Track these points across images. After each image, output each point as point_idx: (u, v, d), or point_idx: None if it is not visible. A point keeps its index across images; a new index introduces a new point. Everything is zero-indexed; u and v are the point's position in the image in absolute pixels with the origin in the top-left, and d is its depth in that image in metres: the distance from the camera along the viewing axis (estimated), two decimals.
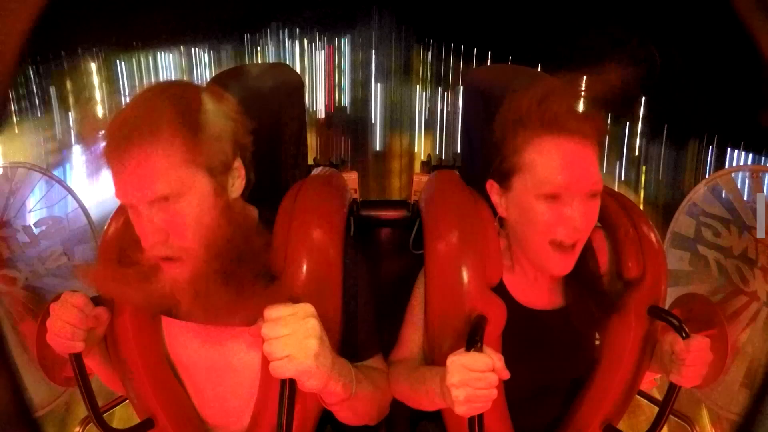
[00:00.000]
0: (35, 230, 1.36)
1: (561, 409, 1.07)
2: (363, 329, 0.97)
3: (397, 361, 1.04)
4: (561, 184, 0.87)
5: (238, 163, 0.88)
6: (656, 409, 1.01)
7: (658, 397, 1.11)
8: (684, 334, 0.90)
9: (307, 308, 0.76)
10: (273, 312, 0.74)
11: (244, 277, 0.85)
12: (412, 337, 1.04)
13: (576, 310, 1.00)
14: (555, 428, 1.07)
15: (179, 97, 0.83)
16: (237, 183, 0.89)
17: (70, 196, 1.43)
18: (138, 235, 0.84)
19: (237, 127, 0.88)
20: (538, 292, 1.03)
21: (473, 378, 0.76)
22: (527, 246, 0.95)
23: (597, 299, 0.99)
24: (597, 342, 1.05)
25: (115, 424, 0.97)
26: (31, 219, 1.35)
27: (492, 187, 0.98)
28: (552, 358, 1.02)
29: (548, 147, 0.88)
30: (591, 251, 1.02)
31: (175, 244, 0.82)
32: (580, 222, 0.87)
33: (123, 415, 1.21)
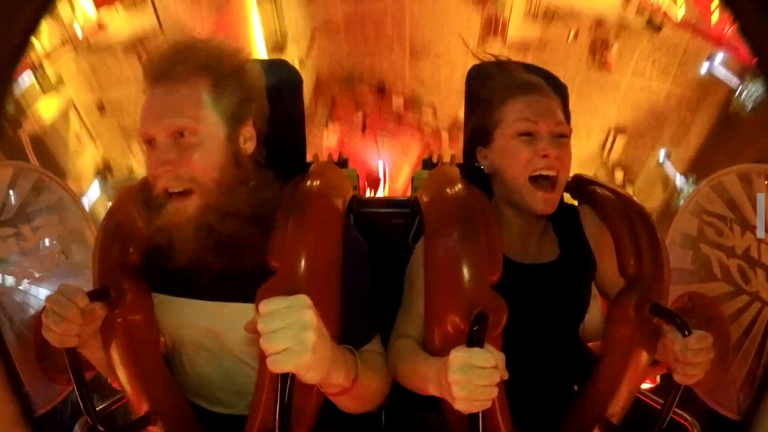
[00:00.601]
0: (32, 229, 1.35)
1: (557, 369, 1.10)
2: (362, 316, 0.97)
3: (401, 335, 1.04)
4: (531, 121, 1.03)
5: (250, 126, 0.96)
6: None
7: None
8: (686, 332, 0.89)
9: (302, 300, 0.74)
10: (268, 305, 0.73)
11: (244, 233, 0.92)
12: (415, 309, 1.03)
13: (568, 264, 1.10)
14: (555, 426, 1.06)
15: (218, 49, 0.94)
16: (249, 143, 0.95)
17: (67, 194, 1.43)
18: (148, 173, 0.91)
19: (257, 94, 0.97)
20: (528, 249, 1.09)
21: (476, 374, 0.76)
22: (512, 187, 1.05)
23: (587, 262, 1.12)
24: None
25: None
26: (29, 218, 1.35)
27: (479, 152, 1.12)
28: (548, 308, 1.07)
29: (519, 101, 1.06)
30: (579, 226, 1.14)
31: (185, 175, 0.88)
32: (553, 153, 1.01)
33: None
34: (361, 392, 0.91)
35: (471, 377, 0.76)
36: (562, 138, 1.05)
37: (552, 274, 1.09)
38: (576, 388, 1.12)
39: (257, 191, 0.95)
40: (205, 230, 0.90)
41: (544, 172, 1.02)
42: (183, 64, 0.90)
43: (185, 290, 0.97)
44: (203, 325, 0.97)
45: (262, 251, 0.92)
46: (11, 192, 1.31)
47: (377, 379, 0.96)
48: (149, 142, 0.91)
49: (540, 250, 1.11)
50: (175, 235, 0.90)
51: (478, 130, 1.12)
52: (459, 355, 0.77)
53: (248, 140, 0.96)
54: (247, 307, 0.89)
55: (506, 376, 0.79)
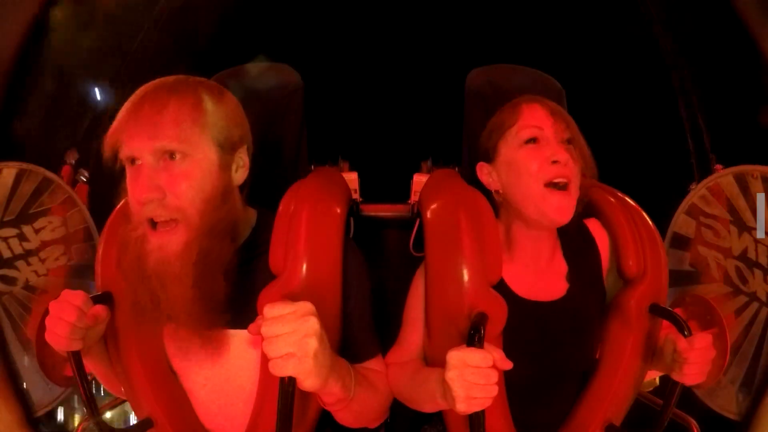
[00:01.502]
0: (35, 230, 1.36)
1: (563, 404, 1.06)
2: (362, 330, 0.97)
3: (397, 362, 1.04)
4: (536, 126, 0.99)
5: (243, 153, 0.91)
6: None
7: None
8: (686, 332, 0.90)
9: (307, 306, 0.75)
10: (273, 310, 0.74)
11: (226, 266, 0.87)
12: (411, 337, 1.04)
13: (576, 302, 1.03)
14: (557, 427, 1.06)
15: (208, 82, 0.90)
16: (240, 171, 0.90)
17: (69, 196, 1.43)
18: (130, 198, 0.83)
19: (246, 123, 0.93)
20: (538, 282, 1.04)
21: (471, 373, 0.76)
22: (525, 197, 0.99)
23: (595, 293, 1.05)
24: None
25: None
26: (32, 219, 1.35)
27: (482, 169, 1.06)
28: (553, 349, 1.02)
29: (519, 109, 1.02)
30: (592, 241, 1.07)
31: (172, 203, 0.82)
32: (563, 158, 0.96)
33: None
34: (357, 406, 0.90)
35: (467, 376, 0.76)
36: (568, 142, 1.00)
37: (559, 313, 1.03)
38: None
39: (239, 228, 0.92)
40: (193, 258, 0.84)
41: (557, 180, 0.97)
42: (179, 82, 0.86)
43: (176, 318, 0.92)
44: (200, 353, 0.94)
45: (253, 275, 0.91)
46: (16, 193, 1.31)
47: (376, 396, 0.95)
48: (132, 161, 0.83)
49: (548, 278, 1.05)
50: (163, 273, 0.84)
51: (480, 145, 1.08)
52: (454, 354, 0.77)
53: (240, 168, 0.90)
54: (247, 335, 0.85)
55: (506, 367, 0.79)
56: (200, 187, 0.84)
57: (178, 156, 0.82)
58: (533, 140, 0.99)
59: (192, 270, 0.84)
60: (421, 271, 1.05)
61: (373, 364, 0.99)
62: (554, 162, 0.96)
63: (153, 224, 0.84)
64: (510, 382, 0.84)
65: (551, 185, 0.96)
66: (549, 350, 1.01)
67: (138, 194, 0.82)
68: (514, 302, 0.98)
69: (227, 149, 0.87)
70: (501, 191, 1.04)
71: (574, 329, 1.03)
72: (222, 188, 0.86)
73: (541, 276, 1.04)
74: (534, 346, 1.00)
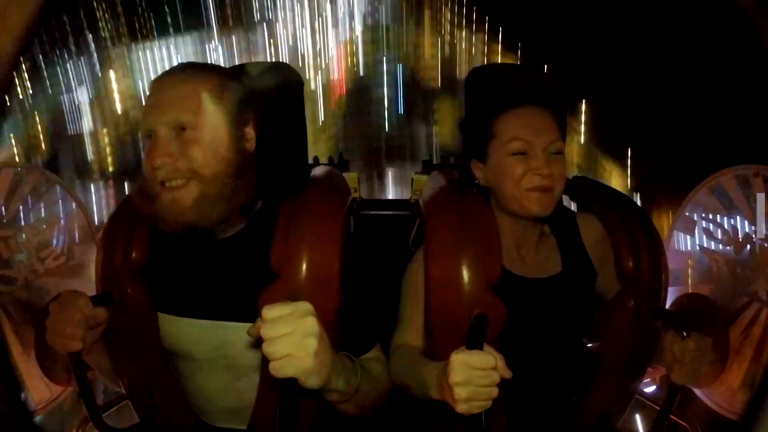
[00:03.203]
0: (34, 230, 1.36)
1: (561, 383, 1.08)
2: (362, 325, 0.97)
3: (400, 344, 1.04)
4: (525, 141, 1.01)
5: (251, 128, 0.95)
6: None
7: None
8: (684, 334, 0.90)
9: (304, 306, 0.75)
10: (271, 312, 0.74)
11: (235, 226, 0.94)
12: (414, 319, 1.05)
13: (572, 277, 1.08)
14: (555, 426, 1.07)
15: (223, 69, 0.99)
16: (249, 143, 0.95)
17: (68, 196, 1.43)
18: (145, 165, 0.89)
19: (259, 98, 0.98)
20: (526, 260, 1.08)
21: (476, 375, 0.76)
22: (510, 198, 1.03)
23: (587, 273, 1.11)
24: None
25: None
26: (30, 219, 1.35)
27: (475, 165, 1.10)
28: (548, 324, 1.05)
29: (513, 115, 1.04)
30: (576, 231, 1.13)
31: (183, 166, 0.87)
32: (547, 170, 1.00)
33: None
34: (361, 399, 0.91)
35: (472, 379, 0.76)
36: (556, 155, 1.03)
37: (555, 289, 1.07)
38: (574, 399, 1.11)
39: (254, 183, 0.95)
40: (208, 202, 0.89)
41: (541, 186, 1.01)
42: (189, 68, 0.93)
43: (193, 311, 0.97)
44: (212, 345, 0.97)
45: (261, 257, 0.92)
46: (15, 193, 1.31)
47: (378, 386, 0.96)
48: (149, 136, 0.90)
49: (539, 260, 1.09)
50: (176, 214, 0.89)
51: (473, 142, 1.10)
52: (459, 357, 0.77)
53: (249, 141, 0.95)
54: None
55: (508, 376, 0.79)
56: (213, 152, 0.89)
57: (189, 127, 0.88)
58: (522, 153, 1.01)
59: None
60: (420, 253, 1.06)
61: (373, 354, 1.00)
62: (538, 174, 1.00)
63: (163, 185, 0.88)
64: (512, 363, 0.84)
65: (533, 189, 1.01)
66: (543, 323, 1.04)
67: (151, 160, 0.87)
68: (509, 279, 1.01)
69: (238, 125, 0.92)
70: (489, 187, 1.08)
71: (568, 304, 1.07)
72: (235, 151, 0.91)
73: (534, 257, 1.09)
74: (529, 320, 1.02)
